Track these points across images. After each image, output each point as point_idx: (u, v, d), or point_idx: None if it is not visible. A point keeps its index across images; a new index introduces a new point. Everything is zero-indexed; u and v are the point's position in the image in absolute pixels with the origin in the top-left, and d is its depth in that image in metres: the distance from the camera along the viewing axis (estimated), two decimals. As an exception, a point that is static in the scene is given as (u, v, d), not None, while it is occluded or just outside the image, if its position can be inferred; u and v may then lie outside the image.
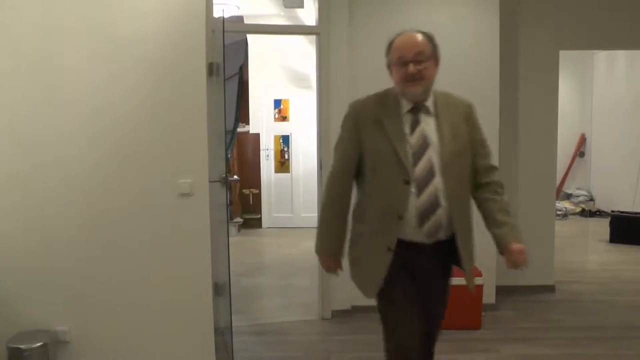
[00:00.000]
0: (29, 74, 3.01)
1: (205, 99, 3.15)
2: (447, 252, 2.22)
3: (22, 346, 2.88)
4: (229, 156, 6.79)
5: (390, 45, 2.20)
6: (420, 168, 2.12)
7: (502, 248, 2.18)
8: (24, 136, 3.03)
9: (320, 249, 2.40)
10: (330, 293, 4.27)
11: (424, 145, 2.14)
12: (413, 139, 2.15)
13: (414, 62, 2.11)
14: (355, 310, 4.22)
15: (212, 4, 3.45)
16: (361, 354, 3.62)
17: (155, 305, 3.19)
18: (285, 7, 5.92)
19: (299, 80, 7.67)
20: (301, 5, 5.51)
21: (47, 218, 3.07)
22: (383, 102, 2.22)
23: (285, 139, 7.94)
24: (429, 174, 2.12)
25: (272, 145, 7.96)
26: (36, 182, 3.05)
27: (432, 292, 2.29)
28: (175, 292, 3.19)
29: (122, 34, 3.06)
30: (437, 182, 2.12)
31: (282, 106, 7.91)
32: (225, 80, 3.49)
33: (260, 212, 8.00)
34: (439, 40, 2.23)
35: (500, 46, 4.29)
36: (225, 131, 3.96)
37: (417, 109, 2.18)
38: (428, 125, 2.17)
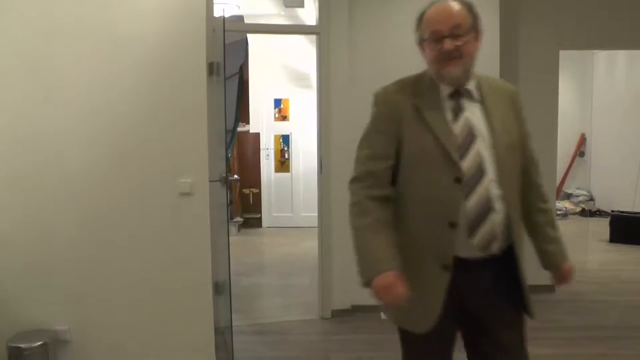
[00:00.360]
0: (29, 73, 3.02)
1: (205, 99, 3.15)
2: (503, 271, 1.87)
3: (22, 345, 2.89)
4: (229, 155, 6.79)
5: (420, 18, 1.83)
6: (467, 165, 1.75)
7: (552, 266, 1.98)
8: (24, 135, 3.04)
9: (370, 268, 1.76)
10: (330, 292, 4.27)
11: (470, 136, 1.78)
12: (457, 129, 1.79)
13: (451, 37, 1.74)
14: (355, 309, 4.21)
15: (212, 4, 3.46)
16: (361, 353, 3.62)
17: (155, 305, 3.19)
18: (286, 6, 5.93)
19: (299, 79, 7.68)
20: (301, 5, 5.52)
21: (46, 217, 3.08)
22: (417, 87, 1.86)
23: (285, 139, 7.94)
24: (478, 172, 1.76)
25: (272, 145, 7.97)
26: (36, 181, 3.05)
27: (493, 321, 1.91)
28: (175, 292, 3.19)
29: (122, 34, 3.06)
30: (488, 181, 1.76)
31: (282, 106, 7.91)
32: (225, 79, 3.50)
33: (260, 211, 8.01)
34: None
35: (500, 46, 4.29)
36: (226, 130, 3.95)
37: (459, 93, 1.82)
38: (473, 114, 1.81)
